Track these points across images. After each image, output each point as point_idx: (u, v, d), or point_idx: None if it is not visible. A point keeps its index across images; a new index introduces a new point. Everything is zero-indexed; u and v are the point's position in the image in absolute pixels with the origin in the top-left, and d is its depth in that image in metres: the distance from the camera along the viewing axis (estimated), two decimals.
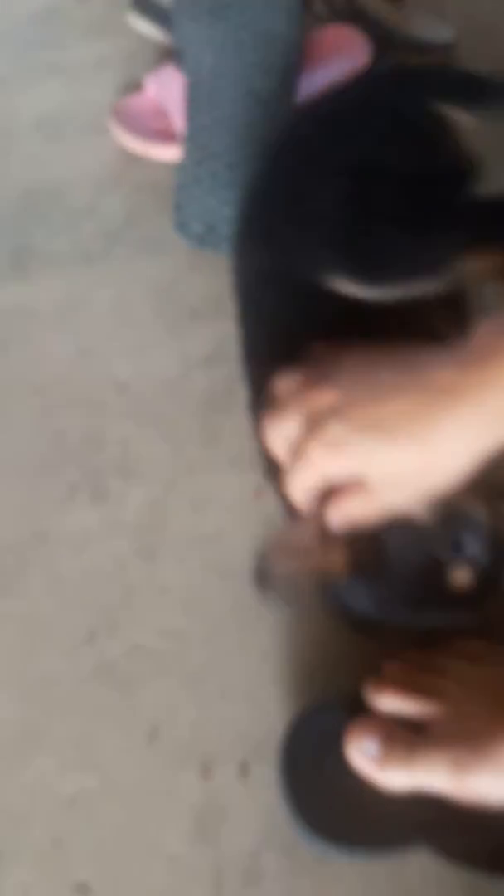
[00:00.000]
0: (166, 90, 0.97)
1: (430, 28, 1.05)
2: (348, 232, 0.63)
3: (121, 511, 0.74)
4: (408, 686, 0.58)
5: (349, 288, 0.62)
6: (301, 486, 0.57)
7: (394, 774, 0.54)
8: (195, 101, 0.90)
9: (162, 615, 0.69)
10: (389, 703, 0.58)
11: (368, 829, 0.57)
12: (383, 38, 1.02)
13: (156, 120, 0.98)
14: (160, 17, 1.06)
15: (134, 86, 1.03)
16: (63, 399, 0.81)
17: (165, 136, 0.96)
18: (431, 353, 0.54)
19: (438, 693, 0.57)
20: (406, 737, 0.55)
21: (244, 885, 0.59)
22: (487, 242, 0.62)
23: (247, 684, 0.66)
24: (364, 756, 0.55)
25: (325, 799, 0.58)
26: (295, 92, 0.91)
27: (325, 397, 0.55)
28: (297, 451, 0.56)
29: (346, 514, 0.56)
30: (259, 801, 0.61)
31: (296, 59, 0.91)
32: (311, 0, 1.02)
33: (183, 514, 0.74)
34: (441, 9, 1.07)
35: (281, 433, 0.57)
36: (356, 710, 0.58)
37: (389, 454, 0.52)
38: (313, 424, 0.55)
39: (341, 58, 0.97)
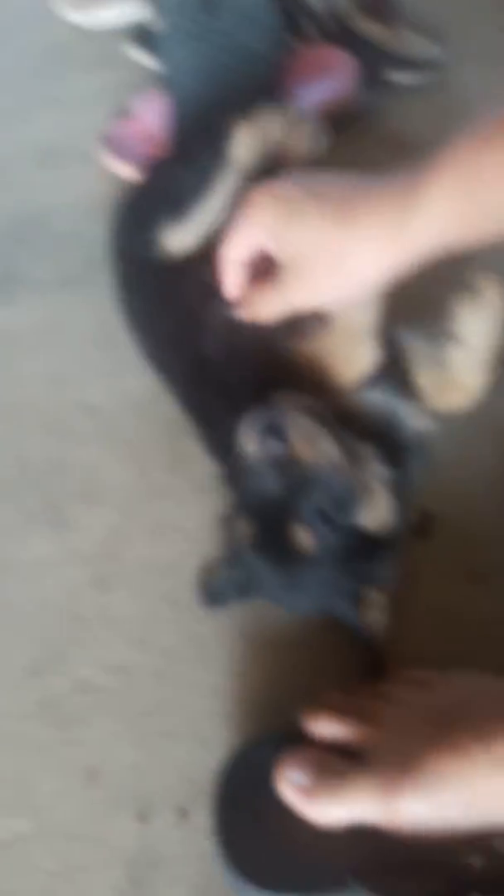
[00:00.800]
0: (153, 115, 0.97)
1: (422, 48, 1.05)
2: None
3: (78, 539, 0.72)
4: (345, 711, 0.55)
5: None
6: (236, 244, 0.61)
7: (324, 806, 0.50)
8: (181, 126, 0.92)
9: (111, 649, 0.67)
10: (323, 727, 0.55)
11: (304, 875, 0.52)
12: (376, 58, 1.02)
13: (144, 145, 0.99)
14: (157, 46, 1.08)
15: (124, 112, 1.05)
16: (31, 423, 0.80)
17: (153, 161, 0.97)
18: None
19: (376, 717, 0.54)
20: (338, 764, 0.52)
21: None
22: None
23: (194, 723, 0.63)
24: (293, 787, 0.51)
25: (259, 842, 0.54)
26: None
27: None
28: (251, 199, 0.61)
29: (252, 305, 0.61)
30: (197, 849, 0.57)
31: (274, 77, 0.92)
32: (300, 22, 1.03)
33: (141, 541, 0.72)
34: (438, 31, 1.07)
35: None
36: (292, 743, 0.55)
37: (309, 219, 0.57)
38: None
39: (327, 77, 0.97)
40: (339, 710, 0.55)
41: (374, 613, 0.61)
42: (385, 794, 0.48)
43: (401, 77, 1.03)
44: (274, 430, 0.56)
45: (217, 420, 0.68)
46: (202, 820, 0.58)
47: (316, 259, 0.57)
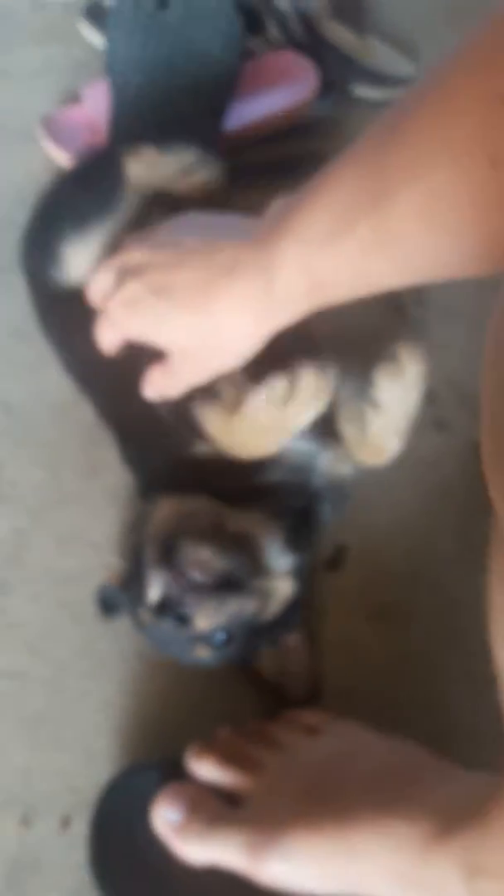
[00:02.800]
0: (100, 105, 1.00)
1: (392, 62, 1.09)
2: None
3: None
4: (230, 755, 0.59)
5: None
6: (106, 341, 0.66)
7: (192, 847, 0.55)
8: (118, 121, 0.94)
9: (6, 654, 0.70)
10: (206, 771, 0.59)
11: None
12: (343, 68, 1.06)
13: (87, 134, 1.01)
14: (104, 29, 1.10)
15: (73, 97, 1.07)
16: None
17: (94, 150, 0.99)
18: (233, 229, 0.60)
19: (259, 767, 0.59)
20: (213, 809, 0.56)
21: None
22: None
23: (83, 734, 0.67)
24: (166, 824, 0.57)
25: (129, 867, 0.59)
26: (223, 116, 0.95)
27: (133, 256, 0.63)
28: (104, 307, 0.65)
29: (154, 387, 0.65)
30: (76, 857, 0.62)
31: (229, 84, 0.95)
32: (265, 26, 1.06)
33: (46, 547, 0.75)
34: (410, 44, 1.12)
35: (96, 286, 0.67)
36: (176, 774, 0.60)
37: (175, 320, 0.60)
38: (118, 279, 0.63)
39: (287, 85, 1.00)
40: (224, 752, 0.60)
41: (267, 662, 0.67)
42: (248, 853, 0.54)
43: (366, 91, 1.06)
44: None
45: (135, 435, 0.73)
46: (83, 829, 0.62)
47: (195, 347, 0.61)
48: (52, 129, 1.01)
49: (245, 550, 0.62)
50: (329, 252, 0.51)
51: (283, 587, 0.64)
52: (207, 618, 0.59)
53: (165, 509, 0.66)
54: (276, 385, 0.60)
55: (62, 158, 1.00)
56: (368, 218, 0.48)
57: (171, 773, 0.60)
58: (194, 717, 0.66)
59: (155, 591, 0.61)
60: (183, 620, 0.60)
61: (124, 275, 0.62)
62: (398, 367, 0.63)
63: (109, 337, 0.66)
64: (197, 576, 0.59)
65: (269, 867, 0.53)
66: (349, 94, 1.06)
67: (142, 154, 0.78)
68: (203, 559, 0.60)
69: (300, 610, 0.68)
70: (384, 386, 0.64)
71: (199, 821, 0.56)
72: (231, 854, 0.54)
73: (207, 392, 0.64)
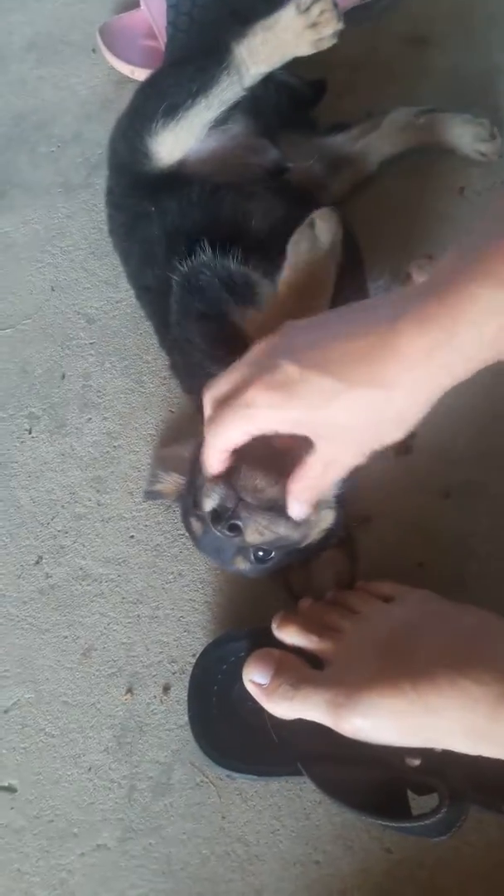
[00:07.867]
0: (158, 7, 1.03)
1: None
2: None
3: (77, 443, 0.84)
4: (311, 622, 0.67)
5: None
6: (233, 439, 0.59)
7: (279, 706, 0.63)
8: (176, 21, 0.98)
9: (107, 543, 0.79)
10: (289, 636, 0.66)
11: (258, 756, 0.66)
12: None
13: (146, 40, 1.05)
14: None
15: (132, 2, 1.10)
16: (32, 333, 0.91)
17: (155, 57, 1.03)
18: (374, 301, 0.61)
19: (339, 632, 0.65)
20: (298, 670, 0.64)
21: (154, 795, 0.70)
22: None
23: (179, 610, 0.76)
24: (254, 685, 0.64)
25: (225, 723, 0.68)
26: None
27: (272, 340, 0.57)
28: (235, 396, 0.56)
29: (304, 493, 0.62)
30: (176, 719, 0.72)
31: None
32: None
33: (136, 447, 0.83)
34: None
35: (218, 391, 0.59)
36: (264, 641, 0.67)
37: (344, 397, 0.53)
38: (259, 367, 0.55)
39: None
40: (307, 619, 0.67)
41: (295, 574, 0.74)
42: (331, 710, 0.60)
43: None
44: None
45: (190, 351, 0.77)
46: (182, 695, 0.71)
47: (364, 425, 0.56)
48: (110, 38, 1.05)
49: None
50: None
51: (326, 517, 0.70)
52: (257, 533, 0.65)
53: None
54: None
55: (124, 69, 1.04)
56: None
57: (260, 640, 0.68)
58: (279, 589, 0.74)
59: (210, 503, 0.66)
60: (235, 531, 0.65)
61: (264, 359, 0.56)
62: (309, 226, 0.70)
63: (242, 431, 0.58)
64: (249, 499, 0.64)
65: (351, 722, 0.60)
66: None
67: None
68: (258, 486, 0.64)
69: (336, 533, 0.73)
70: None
71: (286, 681, 0.63)
72: (315, 711, 0.61)
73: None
